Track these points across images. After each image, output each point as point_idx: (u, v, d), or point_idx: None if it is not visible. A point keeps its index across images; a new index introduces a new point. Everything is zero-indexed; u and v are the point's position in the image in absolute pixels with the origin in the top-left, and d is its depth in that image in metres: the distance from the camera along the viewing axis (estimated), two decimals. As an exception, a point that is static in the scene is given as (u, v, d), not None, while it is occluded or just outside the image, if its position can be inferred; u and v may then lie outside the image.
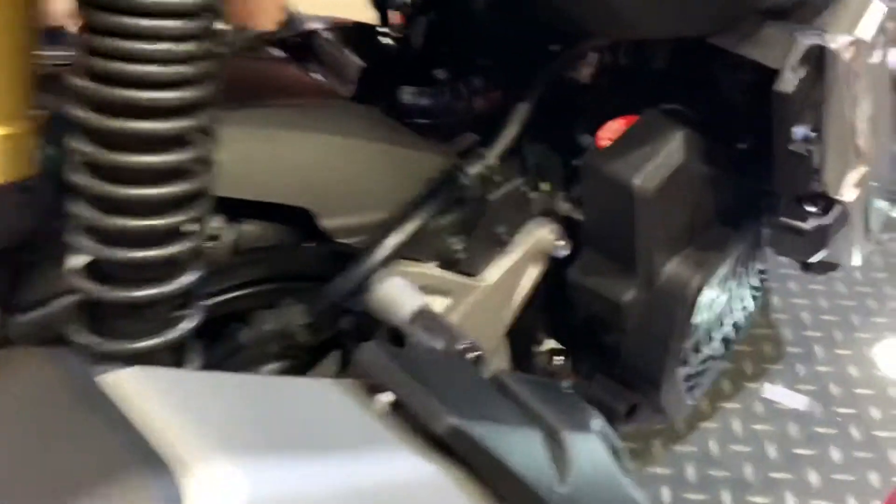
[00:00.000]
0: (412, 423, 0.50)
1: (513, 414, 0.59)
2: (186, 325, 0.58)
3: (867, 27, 0.78)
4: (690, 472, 1.44)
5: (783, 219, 0.88)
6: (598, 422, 0.73)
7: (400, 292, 0.72)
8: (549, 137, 0.97)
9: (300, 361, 0.79)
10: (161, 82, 0.49)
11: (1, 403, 0.42)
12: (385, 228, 0.73)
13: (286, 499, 0.39)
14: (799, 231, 0.87)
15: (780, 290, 1.86)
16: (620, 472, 0.69)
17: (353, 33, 1.08)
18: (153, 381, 0.39)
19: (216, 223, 0.68)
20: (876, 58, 0.82)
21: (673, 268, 0.90)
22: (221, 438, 0.36)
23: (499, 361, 0.99)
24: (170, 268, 0.56)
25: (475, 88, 1.01)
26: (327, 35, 1.06)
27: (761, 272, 1.06)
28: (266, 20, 0.97)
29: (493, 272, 0.89)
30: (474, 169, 0.79)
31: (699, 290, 0.90)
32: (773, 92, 0.78)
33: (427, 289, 0.82)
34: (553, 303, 1.01)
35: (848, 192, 0.88)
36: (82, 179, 0.50)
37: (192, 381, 0.42)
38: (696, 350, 0.98)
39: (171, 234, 0.55)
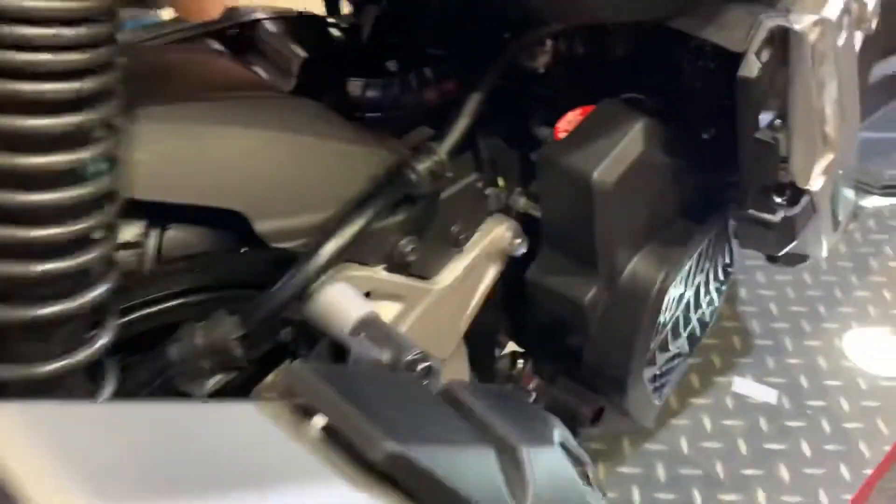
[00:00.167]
0: (347, 450, 0.45)
1: (464, 432, 0.54)
2: (98, 343, 0.53)
3: (832, 7, 0.74)
4: (660, 470, 1.41)
5: (750, 211, 0.83)
6: (560, 432, 0.69)
7: (343, 300, 0.66)
8: (505, 130, 0.92)
9: (245, 375, 0.74)
10: (48, 72, 0.43)
11: None
12: (326, 231, 0.68)
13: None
14: (767, 224, 0.83)
15: (748, 282, 1.84)
16: (584, 486, 0.64)
17: (297, 24, 1.02)
18: (25, 417, 0.34)
19: (136, 229, 0.62)
20: (842, 39, 0.78)
21: (636, 265, 0.86)
22: (94, 482, 0.31)
23: (457, 367, 0.94)
24: (76, 281, 0.50)
25: (426, 79, 0.96)
26: (269, 26, 1.00)
27: (727, 265, 1.03)
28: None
29: (448, 274, 0.84)
30: (423, 165, 0.74)
31: (664, 288, 0.86)
32: (737, 77, 0.73)
33: (376, 294, 0.77)
34: (513, 304, 0.96)
35: (816, 181, 0.84)
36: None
37: (76, 415, 0.36)
38: (663, 349, 0.94)
39: (76, 244, 0.50)
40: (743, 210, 0.85)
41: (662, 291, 0.86)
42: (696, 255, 0.91)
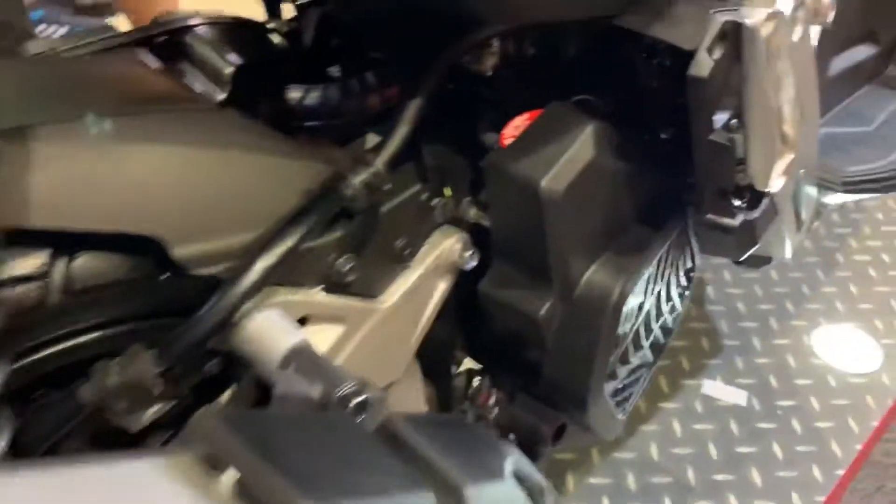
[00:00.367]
0: (260, 509, 0.40)
1: (400, 476, 0.49)
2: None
3: (786, 0, 0.71)
4: (631, 479, 1.38)
5: (708, 216, 0.79)
6: (514, 460, 0.64)
7: (271, 329, 0.61)
8: (453, 136, 0.87)
9: (187, 401, 0.68)
10: None
11: None
12: (252, 253, 0.62)
13: None
14: (726, 228, 0.80)
15: (715, 280, 1.81)
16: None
17: (232, 30, 0.96)
18: None
19: (38, 260, 0.57)
20: (797, 34, 0.75)
21: (592, 275, 0.81)
22: None
23: (410, 388, 0.90)
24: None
25: (368, 85, 0.91)
26: (202, 33, 0.94)
27: (689, 270, 0.99)
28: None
29: (394, 291, 0.79)
30: (359, 177, 0.69)
31: (623, 298, 0.82)
32: (688, 76, 0.69)
33: (315, 318, 0.72)
34: (468, 319, 0.91)
35: (776, 183, 0.81)
36: None
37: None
38: (624, 362, 0.90)
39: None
40: (700, 215, 0.81)
41: (620, 302, 0.82)
42: (655, 262, 0.87)
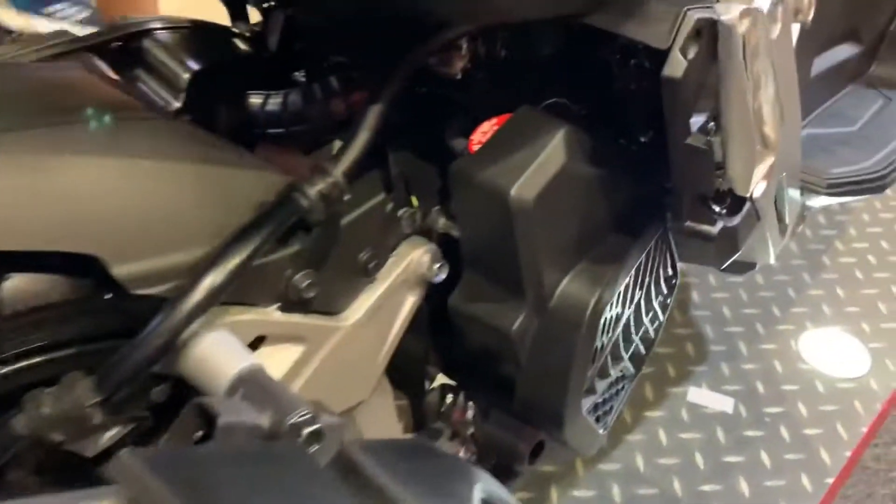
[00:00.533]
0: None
1: (351, 512, 0.45)
2: None
3: (763, -4, 0.67)
4: (616, 492, 1.34)
5: (687, 223, 0.76)
6: (482, 486, 0.60)
7: (218, 352, 0.57)
8: (421, 143, 0.84)
9: (147, 424, 0.64)
10: None
11: None
12: (198, 271, 0.58)
13: None
14: (705, 236, 0.76)
15: (700, 285, 1.78)
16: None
17: (191, 35, 0.92)
18: None
19: (-37, 283, 0.52)
20: (776, 32, 0.71)
21: (566, 287, 0.78)
22: None
23: (380, 407, 0.86)
24: None
25: (332, 90, 0.87)
26: (158, 38, 0.90)
27: (671, 277, 0.95)
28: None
29: (359, 307, 0.75)
30: (315, 187, 0.65)
31: (598, 310, 0.78)
32: (661, 77, 0.66)
33: (272, 338, 0.68)
34: (440, 333, 0.87)
35: (757, 187, 0.77)
36: None
37: None
38: (603, 376, 0.86)
39: None
40: (679, 222, 0.77)
41: (597, 314, 0.78)
42: (633, 271, 0.83)
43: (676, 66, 0.64)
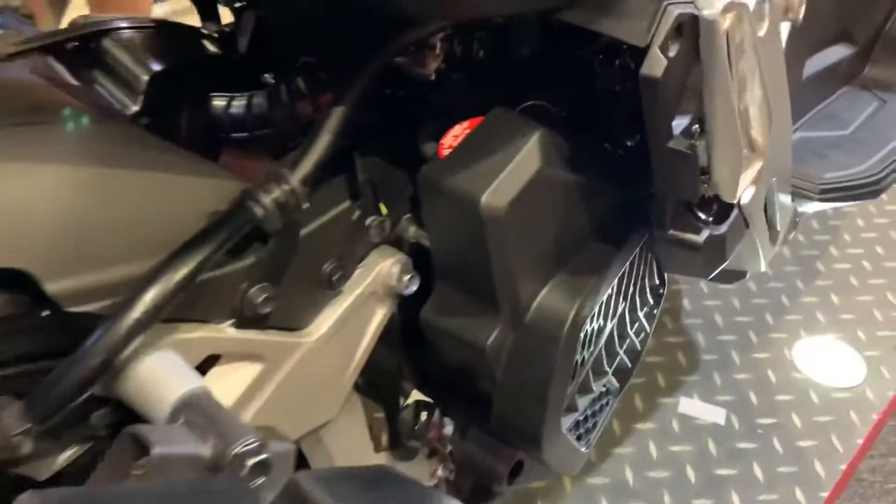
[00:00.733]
0: None
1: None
2: None
3: (749, -9, 0.63)
4: (604, 507, 1.30)
5: (671, 231, 0.72)
6: (450, 515, 0.56)
7: (159, 373, 0.52)
8: (391, 147, 0.79)
9: (101, 447, 0.59)
10: None
11: None
12: (140, 285, 0.54)
13: None
14: (691, 245, 0.72)
15: (691, 292, 1.74)
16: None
17: (155, 35, 0.88)
18: None
19: None
20: (763, 30, 0.67)
21: (544, 299, 0.73)
22: None
23: (350, 427, 0.81)
24: None
25: (299, 92, 0.83)
26: (119, 38, 0.86)
27: (657, 287, 0.91)
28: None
29: (323, 322, 0.71)
30: (270, 195, 0.60)
31: (579, 322, 0.74)
32: (640, 77, 0.62)
33: (226, 357, 0.63)
34: (412, 347, 0.83)
35: (745, 193, 0.73)
36: None
37: None
38: (585, 391, 0.82)
39: None
40: (663, 230, 0.73)
41: (576, 328, 0.74)
42: (615, 282, 0.79)
43: (656, 64, 0.60)
